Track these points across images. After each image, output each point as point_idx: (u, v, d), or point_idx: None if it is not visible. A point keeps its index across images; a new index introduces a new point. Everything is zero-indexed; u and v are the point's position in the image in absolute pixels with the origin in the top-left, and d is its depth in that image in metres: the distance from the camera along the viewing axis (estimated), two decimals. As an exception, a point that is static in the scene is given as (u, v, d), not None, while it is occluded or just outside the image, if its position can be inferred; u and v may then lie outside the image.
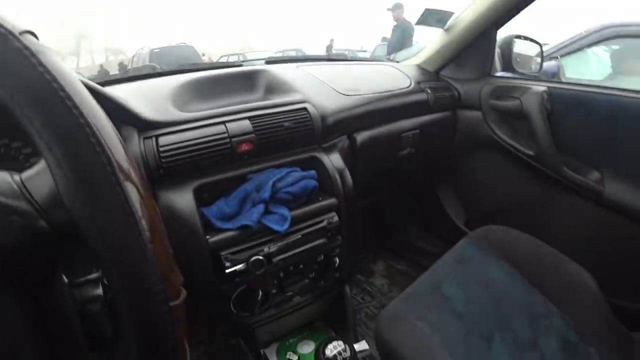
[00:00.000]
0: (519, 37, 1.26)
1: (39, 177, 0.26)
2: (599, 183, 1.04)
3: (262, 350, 0.92)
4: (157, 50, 8.73)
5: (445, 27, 1.18)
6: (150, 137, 0.65)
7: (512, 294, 0.87)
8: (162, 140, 0.65)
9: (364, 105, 0.95)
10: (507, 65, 1.25)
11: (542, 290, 0.89)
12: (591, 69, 2.34)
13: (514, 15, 1.08)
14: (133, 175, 0.26)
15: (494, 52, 1.23)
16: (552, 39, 2.53)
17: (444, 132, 1.25)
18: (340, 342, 0.69)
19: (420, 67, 1.28)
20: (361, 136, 0.96)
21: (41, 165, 0.26)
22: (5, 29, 0.22)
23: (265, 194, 0.69)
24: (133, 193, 0.25)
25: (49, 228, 0.26)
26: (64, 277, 0.33)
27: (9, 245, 0.24)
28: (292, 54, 8.41)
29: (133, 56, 9.56)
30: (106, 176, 0.24)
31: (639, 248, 1.00)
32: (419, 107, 1.11)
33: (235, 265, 0.68)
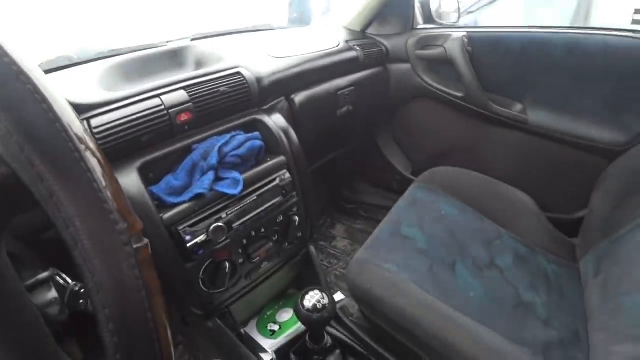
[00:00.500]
0: None
1: None
2: (523, 113, 1.17)
3: (242, 330, 0.94)
4: None
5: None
6: (81, 122, 0.63)
7: (465, 224, 0.97)
8: (95, 122, 0.63)
9: (298, 66, 0.98)
10: (428, 18, 1.35)
11: (490, 216, 1.01)
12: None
13: None
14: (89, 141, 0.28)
15: (414, 7, 1.31)
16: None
17: (377, 87, 1.32)
18: (317, 291, 0.71)
19: (347, 28, 1.33)
20: (299, 97, 0.99)
21: None
22: None
23: (213, 160, 0.70)
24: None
25: None
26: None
27: None
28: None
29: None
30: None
31: (565, 165, 1.14)
32: (351, 65, 1.16)
33: (196, 237, 0.68)
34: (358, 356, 0.87)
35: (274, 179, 0.81)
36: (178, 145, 0.72)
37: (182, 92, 0.72)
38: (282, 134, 0.86)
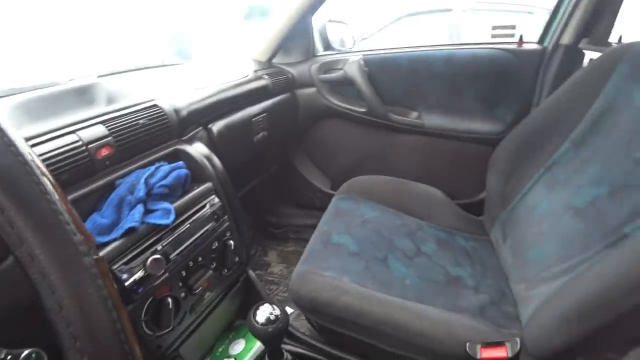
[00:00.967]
0: (331, 21, 1.53)
1: None
2: (419, 119, 1.38)
3: (196, 372, 0.90)
4: None
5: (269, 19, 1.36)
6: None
7: (388, 223, 1.07)
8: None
9: (213, 96, 1.03)
10: (327, 45, 1.52)
11: (408, 212, 1.14)
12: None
13: (323, 2, 1.30)
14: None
15: (313, 36, 1.46)
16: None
17: (288, 111, 1.43)
18: (266, 305, 0.72)
19: (254, 60, 1.43)
20: (216, 126, 1.03)
21: None
22: None
23: (141, 192, 0.69)
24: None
25: None
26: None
27: None
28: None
29: None
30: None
31: (461, 157, 1.37)
32: (262, 92, 1.25)
33: (133, 274, 0.65)
34: None
35: (204, 205, 0.83)
36: (100, 182, 0.70)
37: (100, 126, 0.71)
38: (205, 161, 0.88)
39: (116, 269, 0.64)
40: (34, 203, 0.27)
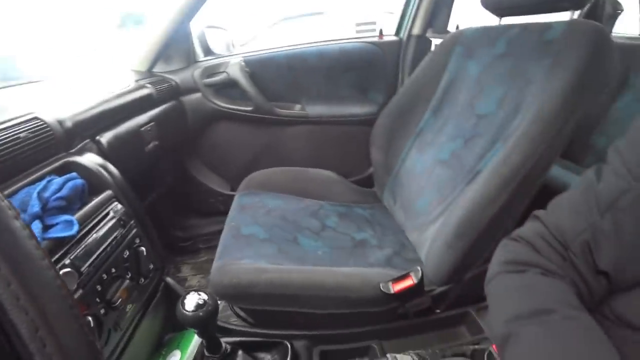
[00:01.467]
0: (210, 27, 1.56)
1: None
2: (303, 110, 1.51)
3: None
4: None
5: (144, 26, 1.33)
6: None
7: (291, 208, 1.16)
8: None
9: (97, 107, 0.98)
10: (207, 50, 1.54)
11: (308, 196, 1.24)
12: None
13: (199, 8, 1.32)
14: None
15: (193, 42, 1.47)
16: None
17: (176, 119, 1.42)
18: (192, 293, 0.73)
19: (134, 70, 1.39)
20: (105, 137, 0.99)
21: None
22: None
23: (35, 207, 0.65)
24: None
25: None
26: None
27: None
28: None
29: None
30: None
31: (346, 139, 1.54)
32: (146, 101, 1.22)
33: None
34: (259, 346, 0.91)
35: (108, 213, 0.80)
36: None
37: None
38: (101, 169, 0.85)
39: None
40: None
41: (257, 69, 1.46)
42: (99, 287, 0.73)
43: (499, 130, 0.87)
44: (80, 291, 0.68)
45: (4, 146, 0.69)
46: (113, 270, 0.78)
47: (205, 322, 0.72)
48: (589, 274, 0.46)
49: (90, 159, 0.86)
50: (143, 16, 1.33)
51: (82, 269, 0.69)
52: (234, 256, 0.92)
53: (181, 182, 1.59)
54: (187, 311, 0.70)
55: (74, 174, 0.79)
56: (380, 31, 1.51)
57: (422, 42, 1.49)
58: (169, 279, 1.02)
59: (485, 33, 1.02)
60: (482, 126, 0.92)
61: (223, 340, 0.83)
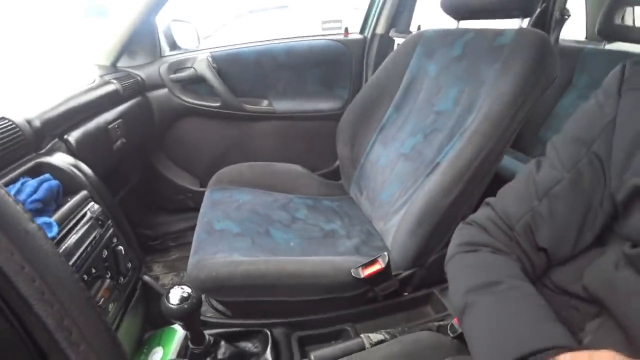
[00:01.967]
0: (175, 20, 1.54)
1: None
2: (270, 106, 1.55)
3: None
4: None
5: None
6: None
7: (261, 202, 1.20)
8: None
9: (64, 104, 0.97)
10: (173, 44, 1.53)
11: (277, 190, 1.29)
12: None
13: (166, 1, 1.31)
14: None
15: (158, 36, 1.46)
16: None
17: (142, 115, 1.42)
18: (175, 287, 0.74)
19: (97, 65, 1.36)
20: (72, 136, 0.98)
21: None
22: None
23: (13, 210, 0.66)
24: None
25: None
26: None
27: None
28: None
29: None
30: None
31: (313, 134, 1.61)
32: (113, 98, 1.21)
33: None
34: (240, 336, 0.95)
35: (85, 213, 0.81)
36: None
37: None
38: (74, 169, 0.86)
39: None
40: None
41: (225, 64, 1.47)
42: None
43: (455, 125, 0.96)
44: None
45: None
46: (93, 270, 0.80)
47: (191, 314, 0.74)
48: (531, 251, 0.54)
49: (62, 159, 0.87)
50: (106, 8, 1.30)
51: (63, 270, 0.71)
52: (209, 251, 0.95)
53: (149, 180, 1.59)
54: (172, 305, 0.72)
55: (47, 175, 0.79)
56: (346, 29, 1.57)
57: (385, 41, 1.57)
58: (146, 277, 1.04)
59: (444, 35, 1.11)
60: (440, 122, 1.01)
61: (205, 332, 0.85)
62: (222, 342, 0.86)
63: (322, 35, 1.56)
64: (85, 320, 0.30)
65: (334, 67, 1.55)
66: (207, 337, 0.84)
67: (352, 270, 0.87)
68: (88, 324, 0.31)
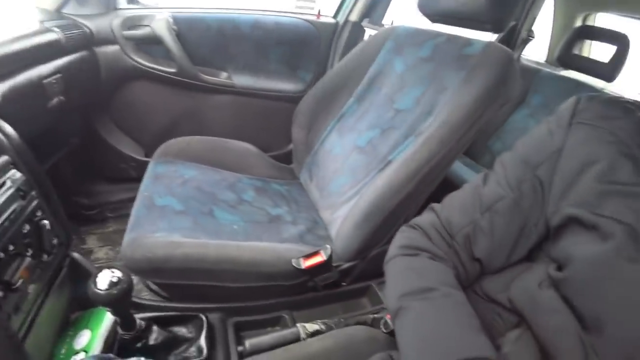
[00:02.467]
0: None
1: None
2: (229, 79, 1.49)
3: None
4: None
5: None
6: None
7: (208, 180, 1.17)
8: None
9: None
10: None
11: (226, 168, 1.25)
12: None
13: None
14: None
15: None
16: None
17: (87, 72, 1.29)
18: (104, 270, 0.69)
19: (38, 8, 1.21)
20: None
21: None
22: None
23: None
24: None
25: None
26: None
27: None
28: None
29: None
30: None
31: (269, 114, 1.58)
32: (52, 49, 1.09)
33: None
34: (174, 320, 0.91)
35: (4, 183, 0.72)
36: None
37: None
38: None
39: None
40: None
41: (185, 28, 1.38)
42: None
43: (412, 125, 0.98)
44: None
45: None
46: (11, 247, 0.70)
47: (120, 301, 0.69)
48: (467, 260, 0.57)
49: None
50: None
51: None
52: (147, 229, 0.91)
53: (88, 144, 1.47)
54: (100, 290, 0.67)
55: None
56: (319, 11, 1.54)
57: (357, 30, 1.55)
58: (75, 254, 0.96)
59: (415, 34, 1.12)
60: (398, 120, 1.03)
61: (137, 316, 0.81)
62: (155, 327, 0.82)
63: (292, 13, 1.51)
64: None
65: (301, 48, 1.51)
66: (138, 322, 0.79)
67: (293, 260, 0.88)
68: None
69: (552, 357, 0.45)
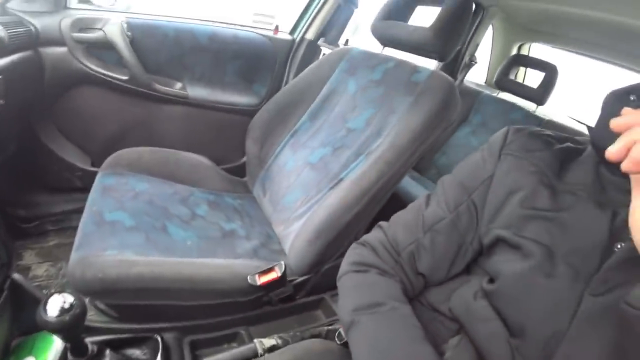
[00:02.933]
0: None
1: None
2: (183, 89, 1.48)
3: None
4: None
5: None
6: None
7: (160, 193, 1.15)
8: None
9: None
10: None
11: (178, 181, 1.24)
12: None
13: None
14: None
15: None
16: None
17: (30, 74, 1.22)
18: (55, 295, 0.66)
19: None
20: None
21: None
22: None
23: None
24: None
25: None
26: None
27: None
28: None
29: None
30: None
31: (223, 126, 1.58)
32: None
33: None
34: (128, 343, 0.90)
35: None
36: None
37: None
38: None
39: None
40: None
41: (140, 35, 1.35)
42: None
43: (362, 145, 1.04)
44: None
45: None
46: None
47: (73, 327, 0.67)
48: (412, 274, 0.64)
49: None
50: None
51: None
52: (96, 246, 0.87)
53: (29, 151, 1.38)
54: (50, 317, 0.64)
55: None
56: (277, 27, 1.57)
57: (313, 48, 1.61)
58: (16, 275, 0.92)
59: (368, 57, 1.19)
60: (350, 139, 1.09)
61: (88, 340, 0.79)
62: (108, 351, 0.80)
63: (250, 27, 1.54)
64: None
65: (257, 63, 1.54)
66: (90, 346, 0.77)
67: (248, 277, 0.89)
68: None
69: None
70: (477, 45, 1.93)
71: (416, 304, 0.65)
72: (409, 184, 1.60)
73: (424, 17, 1.20)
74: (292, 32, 1.64)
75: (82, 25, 1.29)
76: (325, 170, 1.08)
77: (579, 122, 2.13)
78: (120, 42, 1.30)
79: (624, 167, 0.37)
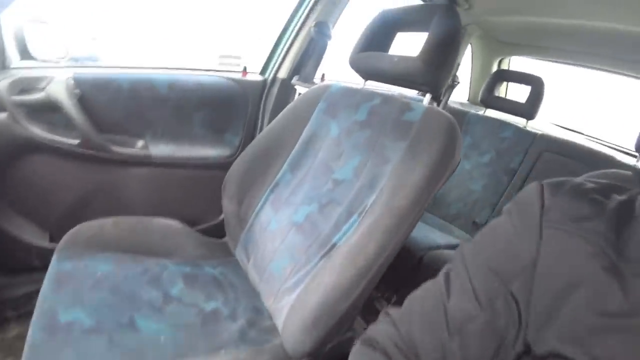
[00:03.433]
0: (33, 21, 1.16)
1: None
2: (145, 148, 1.31)
3: None
4: None
5: None
6: None
7: (127, 274, 0.98)
8: None
9: None
10: (25, 53, 1.16)
11: (148, 254, 1.07)
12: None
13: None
14: None
15: (3, 40, 1.11)
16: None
17: None
18: None
19: None
20: None
21: None
22: None
23: None
24: None
25: None
26: None
27: None
28: None
29: None
30: None
31: (195, 184, 1.42)
32: None
33: None
34: None
35: None
36: None
37: None
38: None
39: None
40: None
41: (90, 90, 1.19)
42: None
43: (354, 201, 0.89)
44: None
45: None
46: None
47: None
48: None
49: None
50: None
51: None
52: (50, 356, 0.72)
53: None
54: None
55: None
56: (245, 68, 1.44)
57: (287, 87, 1.47)
58: None
59: (349, 94, 1.05)
60: (338, 192, 0.94)
61: None
62: None
63: (215, 70, 1.39)
64: None
65: (226, 110, 1.38)
66: None
67: None
68: None
69: None
70: (459, 65, 1.85)
71: None
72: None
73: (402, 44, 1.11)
74: (262, 72, 1.50)
75: (23, 86, 1.13)
76: (314, 232, 0.93)
77: (569, 130, 2.08)
78: (66, 101, 1.15)
79: None
